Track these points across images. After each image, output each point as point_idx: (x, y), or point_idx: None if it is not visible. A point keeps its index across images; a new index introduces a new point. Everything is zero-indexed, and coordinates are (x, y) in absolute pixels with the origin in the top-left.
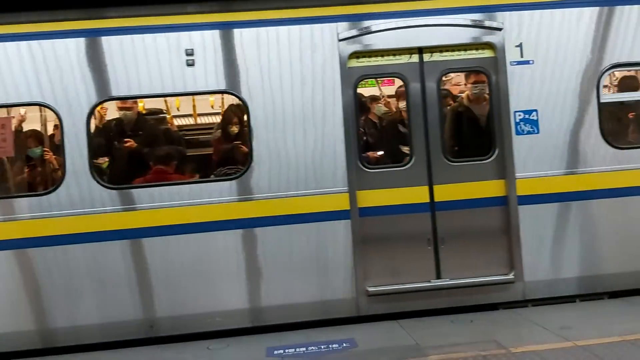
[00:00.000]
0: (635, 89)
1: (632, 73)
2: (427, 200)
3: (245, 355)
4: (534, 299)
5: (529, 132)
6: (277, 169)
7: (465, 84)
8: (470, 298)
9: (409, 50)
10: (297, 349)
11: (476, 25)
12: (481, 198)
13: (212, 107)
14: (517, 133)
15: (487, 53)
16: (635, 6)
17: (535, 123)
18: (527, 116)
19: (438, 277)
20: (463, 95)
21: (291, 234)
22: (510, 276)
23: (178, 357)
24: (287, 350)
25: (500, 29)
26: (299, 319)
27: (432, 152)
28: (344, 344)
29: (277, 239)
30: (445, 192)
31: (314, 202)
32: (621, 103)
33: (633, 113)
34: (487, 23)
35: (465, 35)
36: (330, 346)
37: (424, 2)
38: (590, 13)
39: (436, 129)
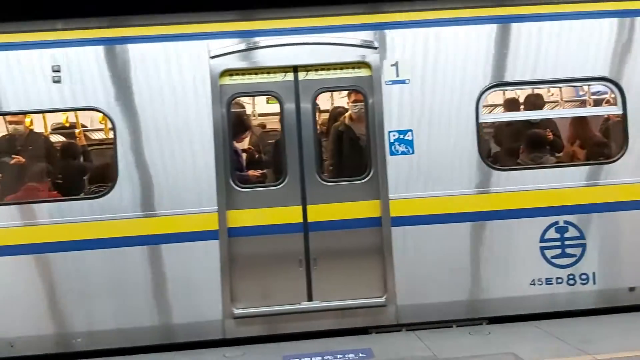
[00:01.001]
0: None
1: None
2: (300, 220)
3: None
4: (409, 324)
5: (403, 153)
6: (144, 187)
7: (348, 103)
8: (342, 321)
9: (283, 69)
10: (313, 358)
11: (352, 44)
12: (355, 219)
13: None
14: (392, 153)
15: (363, 72)
16: (514, 24)
17: (410, 143)
18: (401, 136)
19: (309, 299)
20: (346, 114)
21: (157, 254)
22: (382, 299)
23: None
24: (302, 359)
25: (376, 48)
26: (164, 341)
27: (306, 171)
28: (360, 354)
29: (141, 259)
30: (319, 213)
31: (181, 222)
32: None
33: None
34: (362, 42)
35: (341, 54)
36: (347, 356)
37: (300, 20)
38: (466, 32)
39: (311, 148)
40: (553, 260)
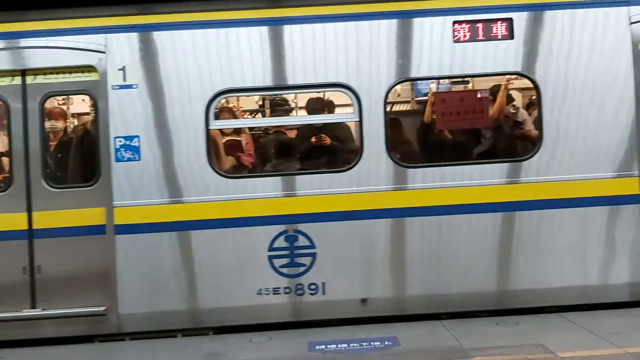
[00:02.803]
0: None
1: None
2: (25, 227)
3: (288, 349)
4: (132, 332)
5: (129, 159)
6: None
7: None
8: (66, 329)
9: (11, 73)
10: (339, 345)
11: (80, 47)
12: (82, 226)
13: None
14: (117, 160)
15: (92, 76)
16: (243, 29)
17: (136, 149)
18: (128, 142)
19: (33, 306)
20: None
21: None
22: (102, 308)
23: (223, 348)
24: (328, 346)
25: (103, 52)
26: None
27: (32, 177)
28: (386, 342)
29: None
30: (45, 219)
31: None
32: None
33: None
34: (90, 45)
35: (69, 58)
36: (372, 344)
37: (30, 23)
38: (200, 36)
39: (38, 153)
40: (281, 270)
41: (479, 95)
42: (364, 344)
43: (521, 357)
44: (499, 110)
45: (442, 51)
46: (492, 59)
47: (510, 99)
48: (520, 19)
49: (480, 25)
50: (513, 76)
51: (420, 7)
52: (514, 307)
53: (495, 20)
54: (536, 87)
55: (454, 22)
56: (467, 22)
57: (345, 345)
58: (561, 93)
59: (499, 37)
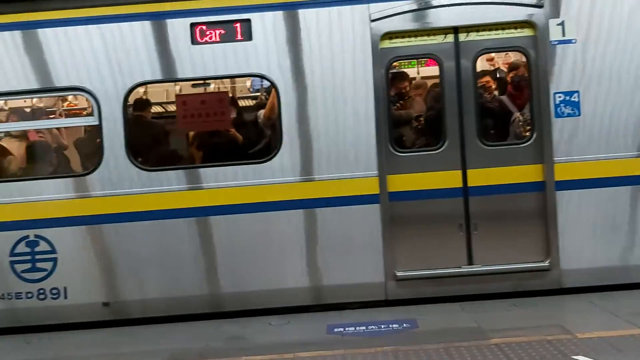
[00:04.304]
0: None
1: None
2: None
3: (306, 331)
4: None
5: None
6: None
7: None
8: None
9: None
10: (357, 328)
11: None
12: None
13: None
14: None
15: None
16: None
17: None
18: None
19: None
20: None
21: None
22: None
23: (242, 332)
24: (347, 329)
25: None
26: None
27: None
28: (405, 325)
29: None
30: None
31: None
32: None
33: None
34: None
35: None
36: (391, 326)
37: None
38: None
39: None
40: (23, 275)
41: (220, 98)
42: (382, 326)
43: (540, 338)
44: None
45: (180, 53)
46: (232, 60)
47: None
48: (258, 20)
49: (218, 26)
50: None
51: (158, 9)
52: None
53: (233, 22)
54: (275, 88)
55: (193, 24)
56: (205, 24)
57: (364, 327)
58: (301, 93)
59: (238, 38)
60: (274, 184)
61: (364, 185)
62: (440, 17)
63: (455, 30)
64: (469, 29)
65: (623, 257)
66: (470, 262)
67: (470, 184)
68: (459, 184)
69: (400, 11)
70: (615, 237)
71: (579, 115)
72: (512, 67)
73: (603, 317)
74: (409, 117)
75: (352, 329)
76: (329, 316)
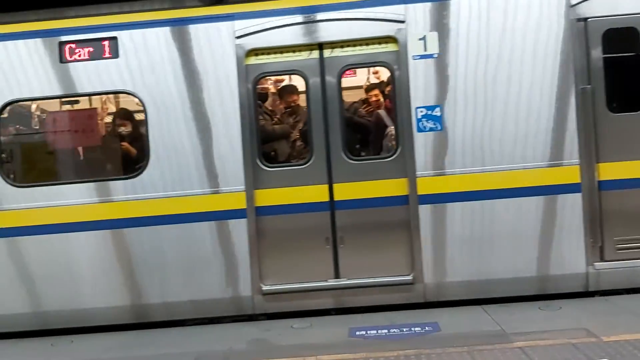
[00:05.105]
0: None
1: None
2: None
3: (329, 335)
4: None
5: None
6: None
7: None
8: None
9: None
10: (380, 331)
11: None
12: None
13: None
14: None
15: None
16: None
17: None
18: None
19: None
20: None
21: None
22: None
23: (265, 334)
24: (369, 332)
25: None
26: None
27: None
28: (427, 328)
29: None
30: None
31: None
32: None
33: None
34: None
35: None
36: (413, 329)
37: None
38: None
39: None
40: None
41: (89, 115)
42: (405, 329)
43: (565, 342)
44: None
45: (48, 72)
46: (100, 78)
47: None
48: (125, 38)
49: (86, 44)
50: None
51: (27, 29)
52: None
53: (100, 40)
54: (143, 105)
55: (61, 43)
56: (74, 42)
57: (386, 330)
58: (168, 110)
59: (106, 56)
60: (143, 200)
61: (231, 200)
62: (304, 34)
63: (320, 46)
64: (333, 45)
65: (485, 271)
66: (337, 276)
67: (336, 198)
68: (326, 198)
69: (264, 28)
70: (477, 250)
71: (441, 129)
72: (373, 85)
73: (629, 320)
74: (278, 133)
75: (375, 332)
76: (352, 319)
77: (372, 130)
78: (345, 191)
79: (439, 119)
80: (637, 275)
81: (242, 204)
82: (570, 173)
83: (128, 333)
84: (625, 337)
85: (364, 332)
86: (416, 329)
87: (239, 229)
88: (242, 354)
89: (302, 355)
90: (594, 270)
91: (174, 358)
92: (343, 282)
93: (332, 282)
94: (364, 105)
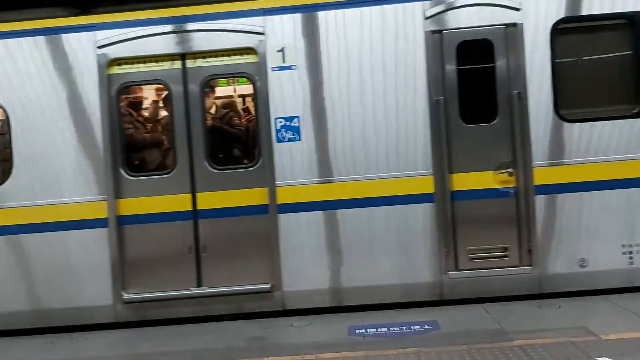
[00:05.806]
0: None
1: None
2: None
3: (328, 333)
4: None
5: None
6: None
7: None
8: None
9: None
10: (379, 329)
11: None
12: None
13: None
14: None
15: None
16: None
17: None
18: None
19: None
20: None
21: None
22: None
23: (264, 332)
24: (368, 330)
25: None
26: None
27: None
28: (426, 326)
29: None
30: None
31: None
32: None
33: None
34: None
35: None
36: (412, 327)
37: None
38: None
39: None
40: None
41: None
42: (404, 327)
43: (564, 340)
44: None
45: None
46: None
47: None
48: None
49: None
50: None
51: None
52: None
53: None
54: (5, 112)
55: None
56: None
57: (386, 329)
58: (28, 118)
59: None
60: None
61: (91, 209)
62: (167, 44)
63: (183, 56)
64: (196, 55)
65: (343, 279)
66: (199, 284)
67: (199, 206)
68: (189, 207)
69: (126, 38)
70: (334, 260)
71: (299, 140)
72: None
73: (629, 319)
74: (143, 142)
75: (374, 330)
76: (351, 317)
77: (237, 140)
78: (208, 200)
79: (297, 130)
80: (490, 284)
81: (103, 213)
82: (424, 183)
83: (126, 331)
84: (624, 335)
85: (363, 331)
86: (416, 327)
87: (101, 238)
88: (241, 352)
89: (301, 353)
90: (448, 280)
91: (170, 356)
92: (203, 290)
93: (193, 291)
94: (232, 115)
